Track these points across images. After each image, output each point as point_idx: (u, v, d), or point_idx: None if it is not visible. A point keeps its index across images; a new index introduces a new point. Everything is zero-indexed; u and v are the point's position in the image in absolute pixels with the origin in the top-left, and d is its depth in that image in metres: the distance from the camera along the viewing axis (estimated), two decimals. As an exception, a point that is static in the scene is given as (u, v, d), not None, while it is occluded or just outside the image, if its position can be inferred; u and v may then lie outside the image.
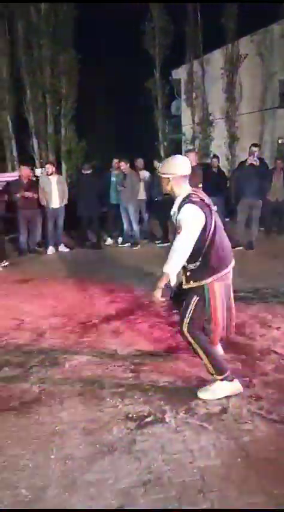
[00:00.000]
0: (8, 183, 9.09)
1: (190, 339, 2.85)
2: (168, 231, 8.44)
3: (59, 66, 17.23)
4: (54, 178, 8.48)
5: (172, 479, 2.14)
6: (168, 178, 2.90)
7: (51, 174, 8.50)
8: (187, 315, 2.85)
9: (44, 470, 2.27)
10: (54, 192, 8.36)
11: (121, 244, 9.16)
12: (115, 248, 9.05)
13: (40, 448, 2.44)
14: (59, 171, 12.25)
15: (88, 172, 9.04)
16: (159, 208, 8.59)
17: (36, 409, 2.86)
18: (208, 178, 8.15)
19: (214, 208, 2.96)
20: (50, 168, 8.55)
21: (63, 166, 18.00)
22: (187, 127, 19.22)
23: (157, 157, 10.27)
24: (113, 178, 9.16)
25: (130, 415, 2.73)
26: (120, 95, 17.77)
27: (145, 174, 9.44)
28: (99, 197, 9.07)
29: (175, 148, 18.46)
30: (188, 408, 2.76)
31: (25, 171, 8.65)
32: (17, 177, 8.84)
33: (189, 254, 2.77)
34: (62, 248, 8.73)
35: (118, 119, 18.39)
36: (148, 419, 2.68)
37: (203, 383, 3.02)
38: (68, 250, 8.75)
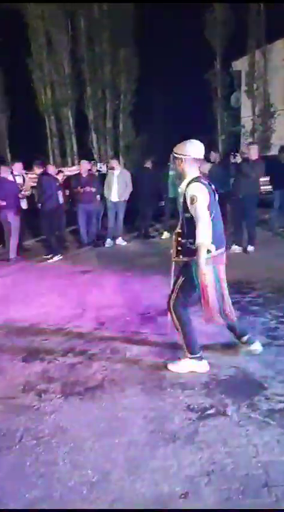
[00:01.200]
0: (69, 178, 9.36)
1: (173, 314, 3.19)
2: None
3: (119, 61, 17.43)
4: (116, 173, 8.63)
5: (236, 472, 2.14)
6: (181, 159, 3.08)
7: (113, 168, 8.66)
8: (175, 291, 3.17)
9: (108, 454, 2.35)
10: (115, 186, 8.51)
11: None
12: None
13: (104, 433, 2.53)
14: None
15: (148, 166, 9.11)
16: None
17: (100, 395, 2.96)
18: (276, 170, 7.95)
19: (217, 196, 3.13)
20: (114, 163, 8.71)
21: (122, 161, 18.23)
22: (247, 119, 18.79)
23: (215, 150, 10.12)
24: (171, 172, 9.15)
25: (191, 406, 2.75)
26: (179, 87, 17.66)
27: (207, 166, 9.31)
28: (157, 191, 9.13)
29: (235, 141, 18.13)
30: (250, 403, 2.74)
31: (85, 165, 8.87)
32: (77, 172, 9.11)
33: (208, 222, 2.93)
34: (120, 241, 8.86)
35: (177, 112, 18.29)
36: (210, 411, 2.68)
37: (264, 378, 2.98)
38: (125, 243, 8.87)
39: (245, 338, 3.38)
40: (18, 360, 3.57)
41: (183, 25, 17.07)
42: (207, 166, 9.16)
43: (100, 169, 12.51)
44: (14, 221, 7.75)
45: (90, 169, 9.15)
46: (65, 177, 10.40)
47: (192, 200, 2.95)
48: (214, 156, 8.83)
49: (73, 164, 17.48)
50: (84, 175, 8.65)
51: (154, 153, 17.32)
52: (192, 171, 3.11)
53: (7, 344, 3.94)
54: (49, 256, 7.82)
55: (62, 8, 16.84)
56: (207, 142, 3.64)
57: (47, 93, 18.26)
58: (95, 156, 18.33)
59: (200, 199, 2.93)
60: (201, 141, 3.14)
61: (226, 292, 3.19)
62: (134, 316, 4.51)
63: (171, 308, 3.19)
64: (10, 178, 7.94)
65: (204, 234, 2.89)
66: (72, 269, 6.91)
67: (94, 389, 3.03)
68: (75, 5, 16.89)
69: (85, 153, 18.53)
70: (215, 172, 7.63)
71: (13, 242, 7.70)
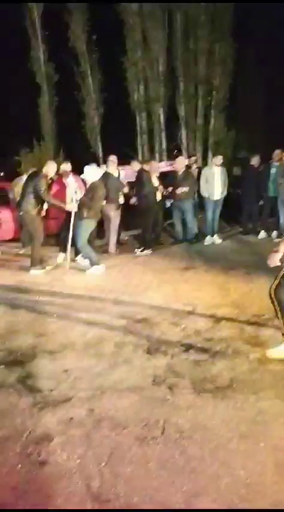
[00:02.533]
0: (165, 174, 9.41)
1: (274, 300, 3.29)
2: None
3: (215, 56, 17.20)
4: (217, 170, 8.54)
5: None
6: None
7: (215, 166, 8.61)
8: (276, 279, 3.29)
9: (256, 456, 2.31)
10: (217, 183, 8.43)
11: (276, 238, 8.83)
12: (271, 242, 8.78)
13: (246, 435, 2.49)
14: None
15: (254, 163, 9.01)
16: None
17: (232, 395, 2.92)
18: None
19: None
20: (218, 160, 8.65)
21: (210, 157, 18.04)
22: None
23: None
24: (273, 170, 8.86)
25: None
26: (277, 84, 17.00)
27: None
28: (257, 189, 8.92)
29: None
30: None
31: (181, 162, 8.88)
32: (171, 168, 9.17)
33: None
34: (215, 239, 8.76)
35: (272, 109, 17.64)
36: None
37: None
38: (220, 241, 8.77)
39: None
40: (142, 352, 3.66)
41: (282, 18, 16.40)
42: None
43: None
44: (114, 216, 7.98)
45: (187, 165, 9.15)
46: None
47: None
48: None
49: (161, 160, 17.59)
50: (179, 173, 8.65)
51: (245, 148, 17.03)
52: None
53: (128, 335, 4.05)
54: (140, 249, 7.97)
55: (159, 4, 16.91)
56: None
57: (139, 90, 18.53)
58: (184, 152, 18.28)
59: None
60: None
61: None
62: (249, 317, 4.42)
63: (272, 295, 3.29)
64: (115, 174, 8.16)
65: None
66: (171, 265, 6.96)
67: (225, 389, 3.01)
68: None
69: (174, 149, 18.62)
70: None
71: (113, 236, 7.95)
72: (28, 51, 19.17)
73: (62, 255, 7.55)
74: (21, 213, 7.14)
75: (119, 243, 8.54)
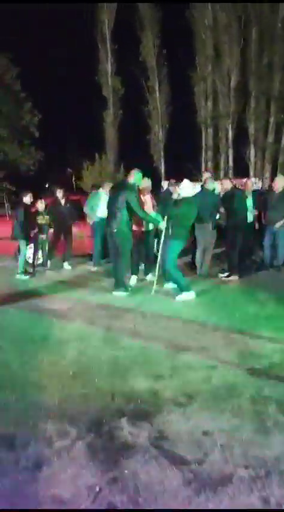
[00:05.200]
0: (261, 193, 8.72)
1: None
2: None
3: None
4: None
5: None
6: None
7: None
8: None
9: None
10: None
11: None
12: None
13: None
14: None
15: None
16: None
17: None
18: None
19: None
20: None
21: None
22: None
23: None
24: None
25: None
26: None
27: None
28: None
29: None
30: None
31: (281, 181, 8.12)
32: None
33: None
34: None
35: None
36: None
37: None
38: None
39: None
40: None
41: None
42: None
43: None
44: (211, 236, 7.39)
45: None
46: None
47: None
48: None
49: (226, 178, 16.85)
50: (276, 192, 7.88)
51: None
52: None
53: (264, 388, 3.31)
54: (225, 275, 7.26)
55: (234, 15, 16.39)
56: None
57: (207, 105, 17.99)
58: (251, 171, 17.49)
59: None
60: None
61: None
62: None
63: None
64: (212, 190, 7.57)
65: None
66: (268, 293, 6.18)
67: None
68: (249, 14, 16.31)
69: (241, 168, 17.86)
70: None
71: (208, 257, 7.33)
72: (96, 63, 19.19)
73: (134, 278, 7.06)
74: (114, 230, 6.25)
75: (194, 264, 7.89)
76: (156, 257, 6.73)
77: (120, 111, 19.39)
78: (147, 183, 7.33)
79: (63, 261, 8.51)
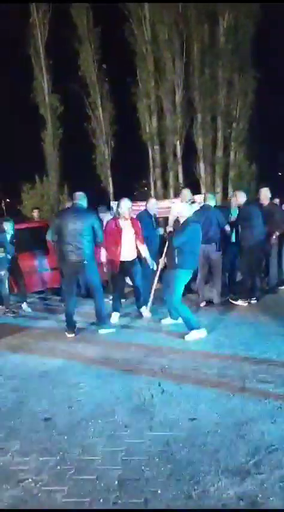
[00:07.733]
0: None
1: None
2: None
3: (234, 87, 16.24)
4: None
5: None
6: None
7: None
8: None
9: None
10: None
11: None
12: None
13: None
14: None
15: None
16: None
17: None
18: None
19: None
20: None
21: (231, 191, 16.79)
22: None
23: None
24: None
25: None
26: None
27: None
28: None
29: None
30: None
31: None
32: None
33: None
34: None
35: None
36: None
37: None
38: None
39: None
40: None
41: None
42: None
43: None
44: (219, 259, 6.71)
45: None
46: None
47: None
48: None
49: (176, 196, 16.21)
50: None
51: (268, 183, 15.85)
52: None
53: None
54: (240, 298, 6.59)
55: (176, 32, 16.00)
56: None
57: (152, 121, 17.31)
58: (202, 186, 17.02)
59: None
60: None
61: None
62: None
63: None
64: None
65: None
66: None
67: None
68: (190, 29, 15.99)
69: (190, 184, 17.30)
70: None
71: (218, 284, 6.55)
72: (31, 81, 17.91)
73: (116, 315, 6.30)
74: (84, 262, 5.57)
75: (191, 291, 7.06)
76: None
77: (59, 130, 18.13)
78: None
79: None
